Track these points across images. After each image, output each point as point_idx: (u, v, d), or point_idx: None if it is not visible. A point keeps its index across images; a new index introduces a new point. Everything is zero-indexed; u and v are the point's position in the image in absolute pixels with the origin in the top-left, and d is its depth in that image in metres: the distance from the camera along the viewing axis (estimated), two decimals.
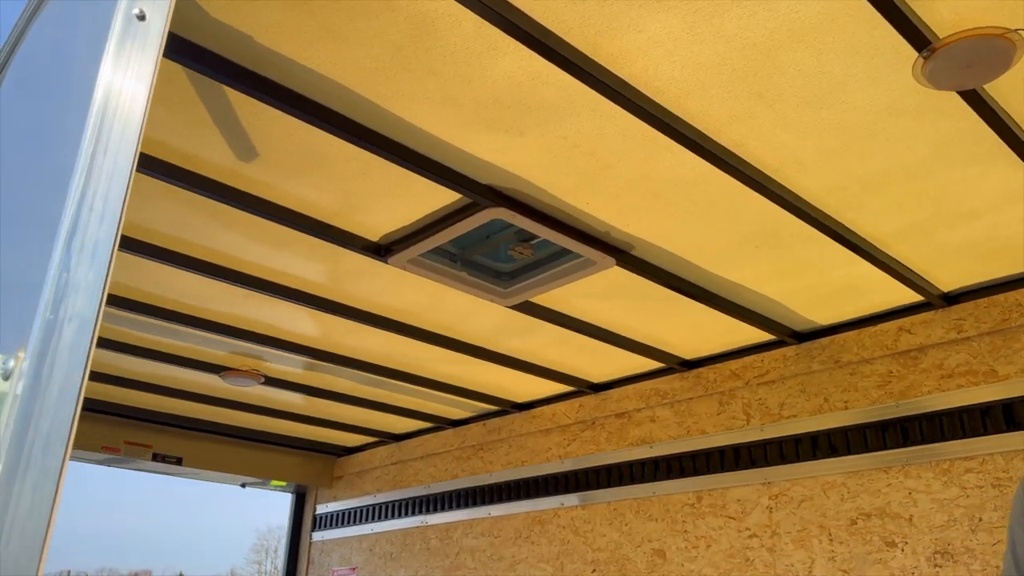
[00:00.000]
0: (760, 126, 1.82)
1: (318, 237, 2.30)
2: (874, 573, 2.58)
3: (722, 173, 1.98)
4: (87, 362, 0.74)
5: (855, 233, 2.29)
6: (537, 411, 3.93)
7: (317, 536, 5.08)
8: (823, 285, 2.62)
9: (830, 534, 2.71)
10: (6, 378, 0.74)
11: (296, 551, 5.18)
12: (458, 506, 4.18)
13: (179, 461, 4.47)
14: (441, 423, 4.34)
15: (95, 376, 3.60)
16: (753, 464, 3.00)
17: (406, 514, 4.47)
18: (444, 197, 2.13)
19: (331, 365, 3.44)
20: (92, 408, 4.05)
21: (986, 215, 2.18)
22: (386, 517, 4.61)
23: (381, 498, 4.69)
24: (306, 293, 2.72)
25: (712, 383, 3.22)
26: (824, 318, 2.87)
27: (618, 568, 3.33)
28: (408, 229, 2.31)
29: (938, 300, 2.61)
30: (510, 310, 2.81)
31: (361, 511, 4.81)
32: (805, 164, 1.97)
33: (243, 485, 5.06)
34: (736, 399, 3.14)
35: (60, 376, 0.72)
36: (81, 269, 0.76)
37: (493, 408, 4.08)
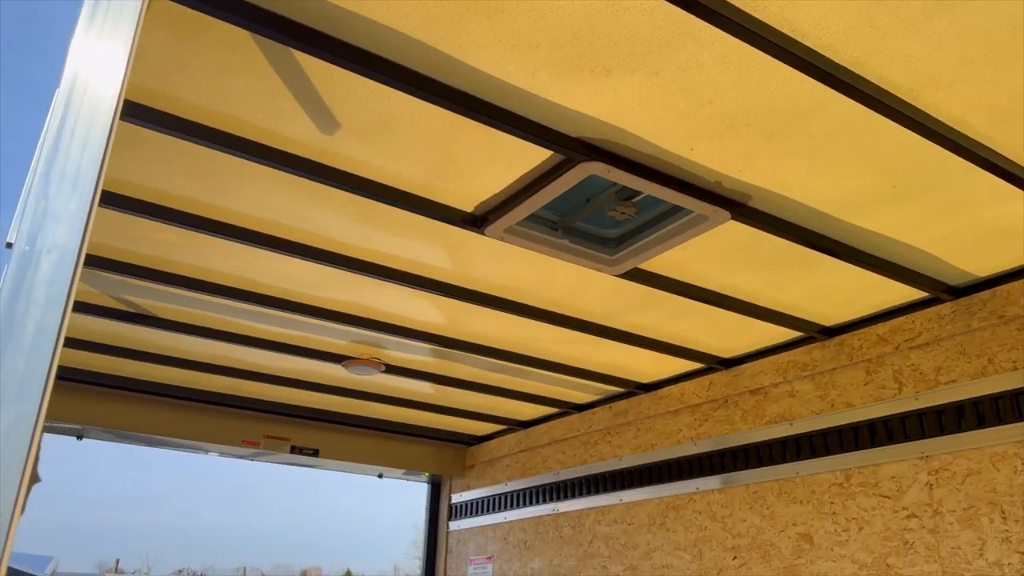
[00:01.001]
0: (883, 37, 1.57)
1: (411, 211, 2.23)
2: None
3: (845, 99, 1.73)
4: (66, 305, 0.66)
5: (1013, 162, 1.96)
6: (664, 391, 3.72)
7: (453, 525, 5.08)
8: (979, 228, 2.28)
9: (1003, 512, 2.36)
10: None
11: (435, 541, 5.21)
12: (588, 492, 4.03)
13: (316, 453, 4.59)
14: (567, 408, 4.21)
15: (231, 372, 3.74)
16: (908, 437, 2.67)
17: (537, 502, 4.38)
18: (534, 156, 2.00)
19: (449, 350, 3.39)
20: (231, 404, 4.22)
21: None
22: (518, 505, 4.54)
23: (512, 486, 4.62)
24: (410, 273, 2.67)
25: (857, 350, 2.91)
26: (982, 268, 2.51)
27: (761, 554, 3.08)
28: (501, 196, 2.19)
29: None
30: (622, 281, 2.64)
31: (494, 499, 4.76)
32: (943, 80, 1.69)
33: (380, 475, 5.15)
34: (885, 366, 2.81)
35: (36, 315, 0.65)
36: (61, 199, 0.69)
37: (618, 390, 3.91)
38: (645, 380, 3.76)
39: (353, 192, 2.14)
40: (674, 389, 3.66)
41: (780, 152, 1.94)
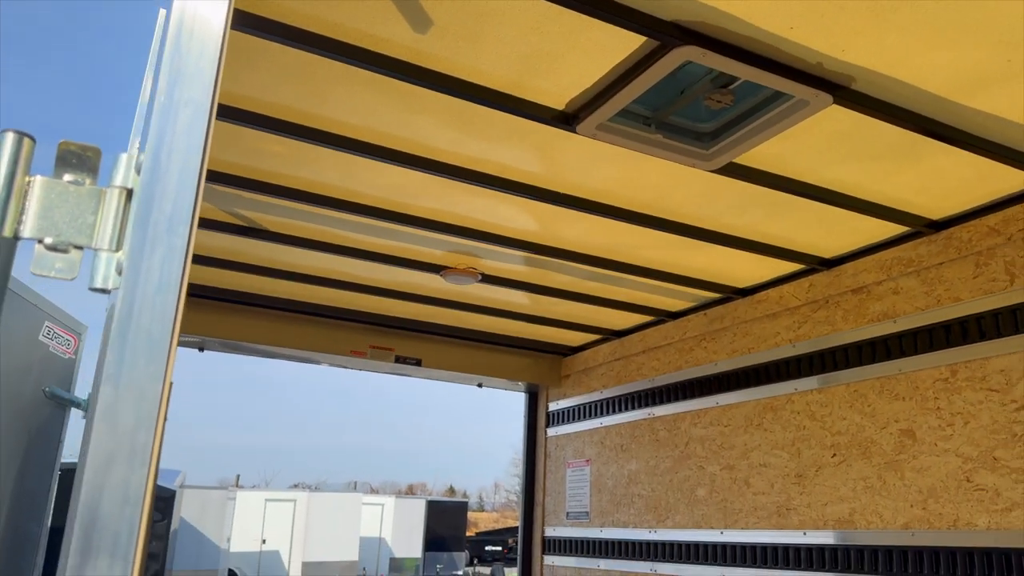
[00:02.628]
0: None
1: (503, 110, 2.26)
2: None
3: None
4: (203, 150, 0.74)
5: None
6: (761, 295, 3.68)
7: (551, 432, 5.24)
8: None
9: None
10: (139, 171, 0.77)
11: (533, 447, 5.40)
12: (683, 397, 4.08)
13: (418, 363, 4.79)
14: (661, 316, 4.23)
15: (337, 284, 3.92)
16: (1018, 330, 2.57)
17: (633, 407, 4.46)
18: (627, 43, 1.98)
19: (542, 258, 3.44)
20: (338, 316, 4.43)
21: None
22: (614, 411, 4.63)
23: (607, 393, 4.71)
24: (502, 178, 2.72)
25: (966, 243, 2.79)
26: None
27: (861, 451, 3.06)
28: (593, 91, 2.19)
29: None
30: (717, 177, 2.60)
31: (590, 407, 4.88)
32: None
33: (479, 385, 5.33)
34: (996, 258, 2.70)
35: (179, 160, 0.73)
36: (191, 58, 0.75)
37: (713, 296, 3.89)
38: (741, 285, 3.72)
39: (446, 93, 2.18)
40: (772, 292, 3.62)
41: (885, 26, 1.86)
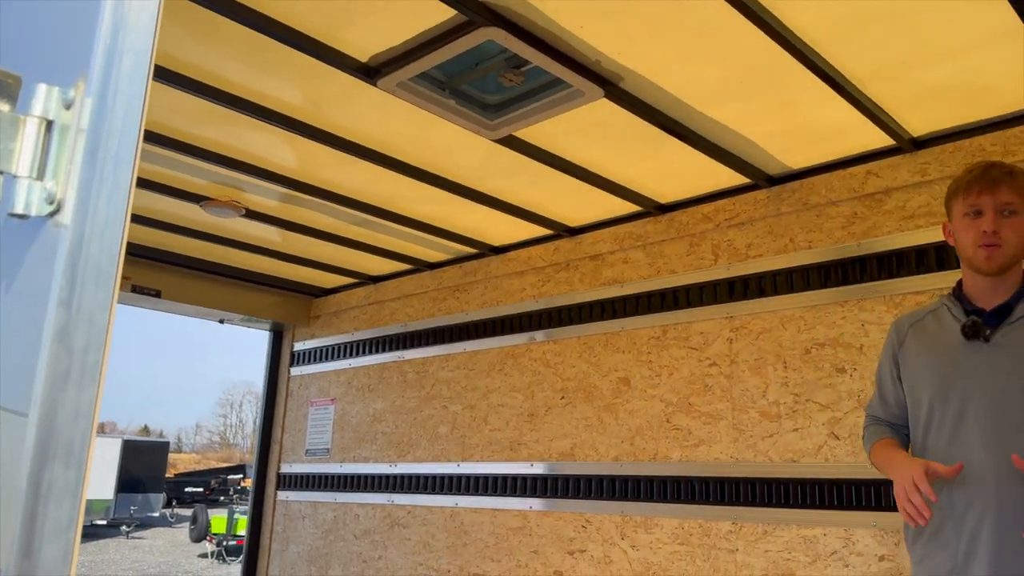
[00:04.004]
0: None
1: (307, 54, 2.29)
2: (822, 396, 2.81)
3: (723, 2, 1.99)
4: (146, 89, 0.79)
5: (837, 70, 2.34)
6: (513, 254, 4.05)
7: (295, 371, 5.28)
8: (801, 127, 2.70)
9: (784, 362, 2.93)
10: (68, 107, 0.80)
11: (275, 385, 5.39)
12: (434, 343, 4.36)
13: (158, 294, 4.55)
14: (419, 265, 4.45)
15: None
16: (717, 300, 3.17)
17: (383, 350, 4.66)
18: (438, 14, 2.12)
19: (312, 199, 3.48)
20: None
21: (966, 54, 2.24)
22: (364, 354, 4.80)
23: (358, 336, 4.86)
24: (291, 118, 2.73)
25: (684, 226, 3.34)
26: (797, 161, 2.97)
27: (585, 395, 3.56)
28: (399, 50, 2.31)
29: (907, 144, 2.72)
30: (495, 145, 2.85)
31: (338, 348, 4.99)
32: None
33: (221, 321, 5.19)
34: (706, 240, 3.28)
35: (123, 103, 0.78)
36: (133, 10, 0.80)
37: (470, 251, 4.19)
38: (496, 243, 4.05)
39: (248, 26, 2.16)
40: (522, 253, 4.00)
41: (659, 39, 2.20)
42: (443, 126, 2.74)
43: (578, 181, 3.15)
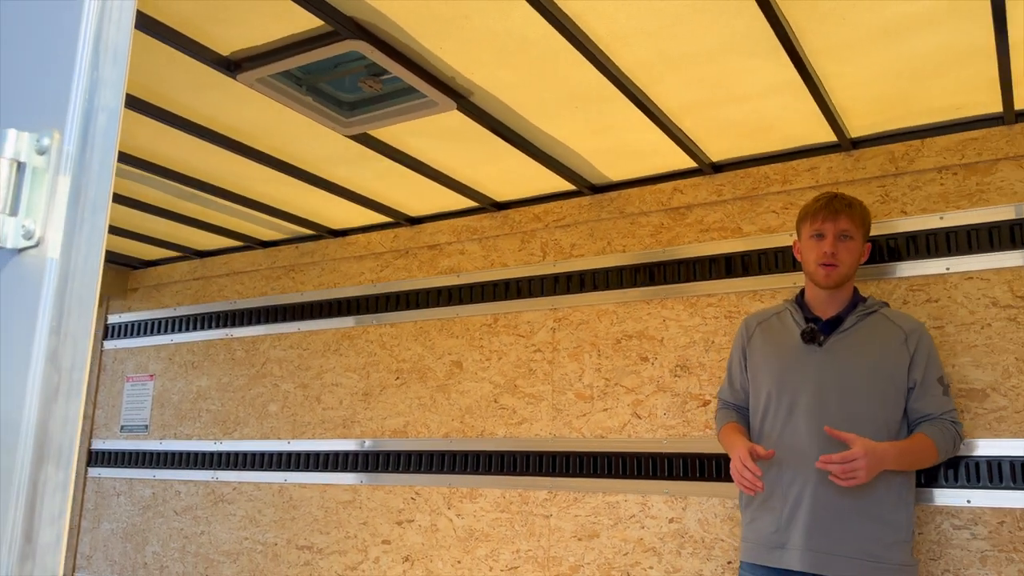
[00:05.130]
0: (602, 2, 2.13)
1: (168, 44, 2.32)
2: (628, 381, 3.24)
3: (561, 37, 2.27)
4: (115, 146, 0.92)
5: (655, 103, 2.72)
6: (352, 238, 4.18)
7: (109, 344, 5.07)
8: (621, 147, 3.07)
9: (599, 350, 3.33)
10: (41, 153, 0.91)
11: None
12: (265, 321, 4.40)
13: None
14: (251, 243, 4.45)
15: None
16: (543, 293, 3.52)
17: (210, 327, 4.62)
18: (306, 21, 2.24)
19: (136, 171, 3.39)
20: None
21: (756, 99, 2.69)
22: (187, 329, 4.72)
23: (182, 311, 4.77)
24: (140, 99, 2.71)
25: (517, 223, 3.65)
26: (616, 175, 3.35)
27: (419, 376, 3.80)
28: (262, 49, 2.39)
29: (707, 168, 3.17)
30: (347, 139, 2.99)
31: (159, 323, 4.86)
32: (627, 39, 2.32)
33: None
34: (536, 238, 3.61)
35: (99, 154, 0.91)
36: (107, 68, 0.92)
37: (308, 232, 4.26)
38: (335, 227, 4.16)
39: None
40: (361, 237, 4.14)
41: (507, 64, 2.45)
42: (296, 117, 2.84)
43: (423, 177, 3.36)
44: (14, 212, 0.90)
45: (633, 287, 3.30)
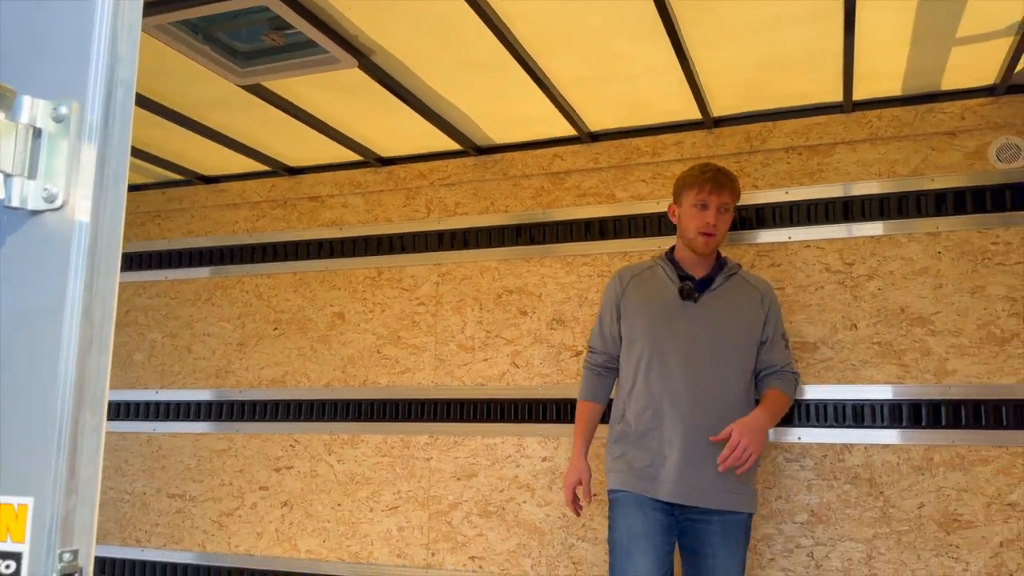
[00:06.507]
0: None
1: None
2: (508, 333, 3.47)
3: (467, 7, 2.38)
4: (131, 119, 0.99)
5: (545, 75, 2.89)
6: (225, 185, 4.10)
7: None
8: (510, 113, 3.23)
9: (481, 304, 3.52)
10: (58, 121, 0.95)
11: None
12: (128, 268, 4.24)
13: None
14: None
15: None
16: (428, 249, 3.65)
17: None
18: None
19: None
20: None
21: (635, 79, 2.94)
22: None
23: None
24: None
25: (402, 180, 3.74)
26: (501, 138, 3.52)
27: (299, 327, 3.84)
28: None
29: (586, 137, 3.41)
30: (236, 87, 2.95)
31: None
32: (529, 15, 2.48)
33: None
34: (421, 195, 3.72)
35: (119, 126, 0.97)
36: (123, 44, 0.98)
37: (176, 177, 4.13)
38: (208, 173, 4.06)
39: None
40: (235, 185, 4.06)
41: (411, 26, 2.54)
42: (177, 58, 2.77)
43: (309, 128, 3.37)
44: (32, 175, 0.95)
45: (515, 246, 3.51)
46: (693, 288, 2.65)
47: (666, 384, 2.57)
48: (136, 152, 3.72)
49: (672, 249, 2.80)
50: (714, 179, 2.64)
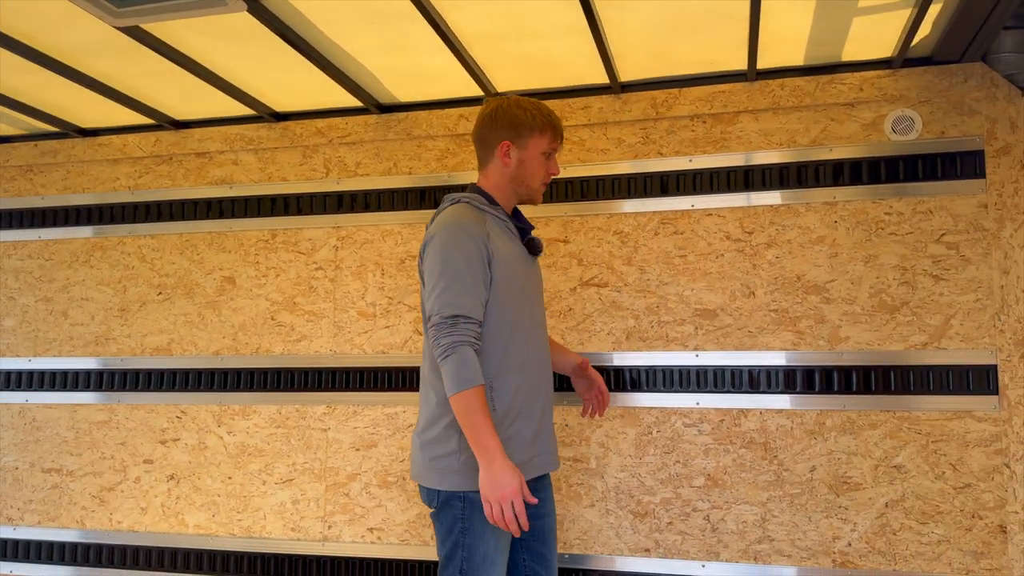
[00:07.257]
0: None
1: None
2: (412, 299, 3.35)
3: None
4: None
5: (451, 29, 2.77)
6: (104, 139, 3.79)
7: None
8: (412, 68, 3.09)
9: (383, 270, 3.39)
10: None
11: None
12: None
13: None
14: None
15: None
16: (326, 211, 3.49)
17: None
18: None
19: None
20: None
21: (543, 38, 2.85)
22: None
23: None
24: None
25: (298, 137, 3.55)
26: (405, 96, 3.37)
27: (186, 291, 3.61)
28: None
29: (492, 97, 3.30)
30: (112, 30, 2.70)
31: None
32: None
33: None
34: (319, 154, 3.54)
35: None
36: None
37: (49, 128, 3.80)
38: (84, 125, 3.75)
39: None
40: (116, 139, 3.77)
41: None
42: (61, 2, 2.52)
43: (195, 77, 3.13)
44: None
45: (419, 209, 3.39)
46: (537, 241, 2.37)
47: (536, 351, 2.30)
48: (4, 100, 3.38)
49: (484, 193, 2.30)
50: (560, 125, 2.35)
